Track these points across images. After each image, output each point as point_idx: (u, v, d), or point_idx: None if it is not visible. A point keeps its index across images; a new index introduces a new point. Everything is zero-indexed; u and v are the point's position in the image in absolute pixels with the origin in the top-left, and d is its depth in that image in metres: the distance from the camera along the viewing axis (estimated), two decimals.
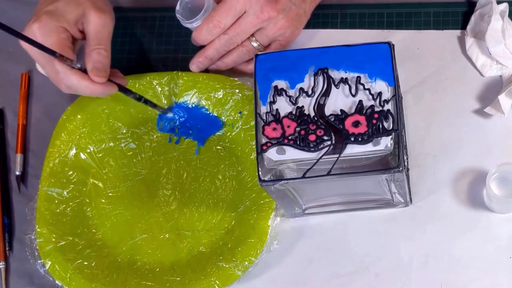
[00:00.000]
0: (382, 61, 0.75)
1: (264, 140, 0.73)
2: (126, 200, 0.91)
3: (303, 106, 0.74)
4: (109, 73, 0.83)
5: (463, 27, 0.93)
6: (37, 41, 0.78)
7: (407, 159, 0.85)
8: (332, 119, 0.73)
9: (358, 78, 0.74)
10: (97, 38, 0.83)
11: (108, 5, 0.87)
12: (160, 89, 0.92)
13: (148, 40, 0.99)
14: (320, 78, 0.75)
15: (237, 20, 0.87)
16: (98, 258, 0.87)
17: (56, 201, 0.89)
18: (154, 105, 0.90)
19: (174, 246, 0.88)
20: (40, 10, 0.83)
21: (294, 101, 0.74)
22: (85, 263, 0.86)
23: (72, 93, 0.84)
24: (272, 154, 0.73)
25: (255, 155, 0.74)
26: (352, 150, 0.72)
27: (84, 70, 0.82)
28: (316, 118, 0.73)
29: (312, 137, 0.73)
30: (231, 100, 0.91)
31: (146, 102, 0.89)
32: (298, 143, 0.73)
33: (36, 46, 0.78)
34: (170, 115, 0.92)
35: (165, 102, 0.93)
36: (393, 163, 0.72)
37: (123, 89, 0.86)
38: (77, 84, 0.81)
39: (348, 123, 0.72)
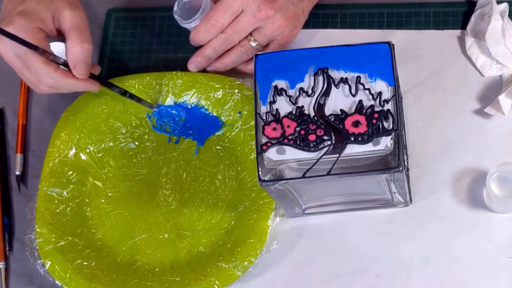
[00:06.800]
0: (382, 61, 0.75)
1: (264, 140, 0.73)
2: (125, 200, 0.91)
3: (303, 106, 0.74)
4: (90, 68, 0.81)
5: (463, 27, 0.93)
6: (19, 36, 0.76)
7: (407, 159, 0.85)
8: (332, 119, 0.73)
9: (358, 78, 0.74)
10: (78, 32, 0.81)
11: (79, 1, 0.85)
12: (159, 89, 0.92)
13: (148, 40, 0.99)
14: (320, 78, 0.75)
15: (235, 19, 0.87)
16: (98, 258, 0.87)
17: (56, 201, 0.89)
18: (139, 100, 0.90)
19: (174, 246, 0.88)
20: (9, 10, 0.81)
21: (294, 101, 0.74)
22: (85, 263, 0.86)
23: (53, 92, 0.83)
24: (272, 154, 0.73)
25: (255, 155, 0.74)
26: (352, 150, 0.72)
27: (65, 66, 0.80)
28: (316, 118, 0.73)
29: (312, 137, 0.73)
30: (230, 100, 0.91)
31: (132, 96, 0.89)
32: (298, 143, 0.73)
33: (18, 41, 0.75)
34: (155, 110, 0.92)
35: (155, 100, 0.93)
36: (393, 163, 0.72)
37: (106, 84, 0.84)
38: (62, 82, 0.79)
39: (348, 123, 0.72)
